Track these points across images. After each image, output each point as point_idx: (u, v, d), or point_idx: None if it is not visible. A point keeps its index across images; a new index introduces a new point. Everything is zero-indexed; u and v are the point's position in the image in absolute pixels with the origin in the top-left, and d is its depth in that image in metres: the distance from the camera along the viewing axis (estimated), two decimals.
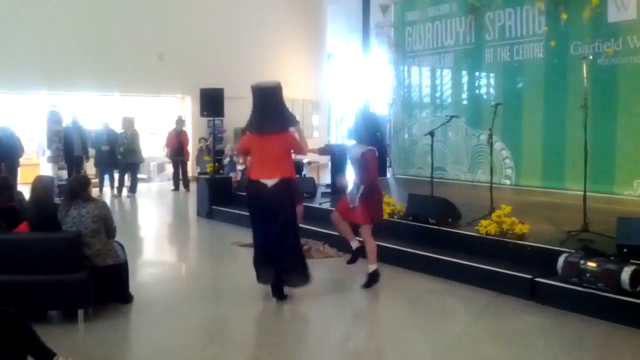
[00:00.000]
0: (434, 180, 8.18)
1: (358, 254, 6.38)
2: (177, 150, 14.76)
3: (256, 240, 5.96)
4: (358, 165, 6.16)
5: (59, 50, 14.55)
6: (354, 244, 6.39)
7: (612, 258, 5.32)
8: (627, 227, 5.65)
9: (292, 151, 5.97)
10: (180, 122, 15.24)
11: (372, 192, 6.14)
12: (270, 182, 5.64)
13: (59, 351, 3.81)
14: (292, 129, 6.25)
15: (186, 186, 14.95)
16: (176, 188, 14.91)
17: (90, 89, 15.24)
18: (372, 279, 6.12)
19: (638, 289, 5.09)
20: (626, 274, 5.09)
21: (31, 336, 3.66)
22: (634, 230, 5.57)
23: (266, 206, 5.70)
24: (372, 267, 6.11)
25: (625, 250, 5.48)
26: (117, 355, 4.71)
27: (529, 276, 5.79)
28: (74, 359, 3.85)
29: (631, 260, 5.23)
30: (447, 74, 12.69)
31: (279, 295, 5.78)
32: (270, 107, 5.78)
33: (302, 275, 5.81)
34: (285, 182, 5.71)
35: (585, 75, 6.74)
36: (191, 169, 16.09)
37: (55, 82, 14.48)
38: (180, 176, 14.96)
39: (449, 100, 12.66)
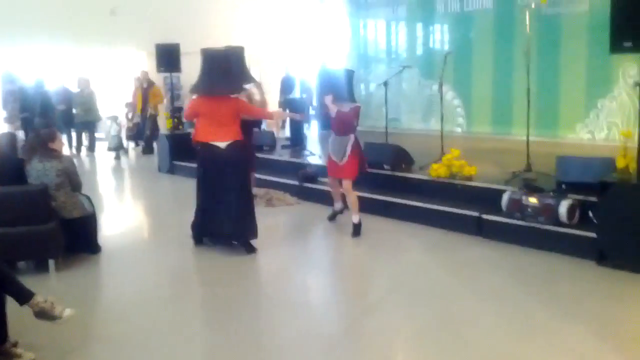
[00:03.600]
0: (389, 131, 8.46)
1: (338, 214, 6.95)
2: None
3: (204, 206, 5.99)
4: (343, 120, 6.39)
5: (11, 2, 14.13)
6: (338, 206, 6.91)
7: (551, 193, 5.75)
8: (565, 165, 6.09)
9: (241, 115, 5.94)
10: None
11: (358, 146, 6.45)
12: (222, 144, 5.73)
13: None
14: (251, 87, 6.44)
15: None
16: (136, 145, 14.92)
17: (42, 41, 14.87)
18: (358, 228, 6.44)
19: (574, 221, 5.56)
20: (564, 207, 5.55)
21: (8, 278, 3.79)
22: (571, 168, 6.01)
23: (222, 167, 5.75)
24: (357, 218, 6.43)
25: (563, 186, 5.91)
26: (88, 298, 4.95)
27: (476, 214, 6.22)
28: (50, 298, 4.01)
29: (568, 195, 5.68)
30: (401, 25, 12.90)
31: (250, 248, 5.94)
32: (218, 70, 5.80)
33: (253, 232, 5.99)
34: (239, 144, 5.82)
35: (527, 23, 7.07)
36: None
37: (9, 35, 14.08)
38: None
39: (404, 52, 12.91)
